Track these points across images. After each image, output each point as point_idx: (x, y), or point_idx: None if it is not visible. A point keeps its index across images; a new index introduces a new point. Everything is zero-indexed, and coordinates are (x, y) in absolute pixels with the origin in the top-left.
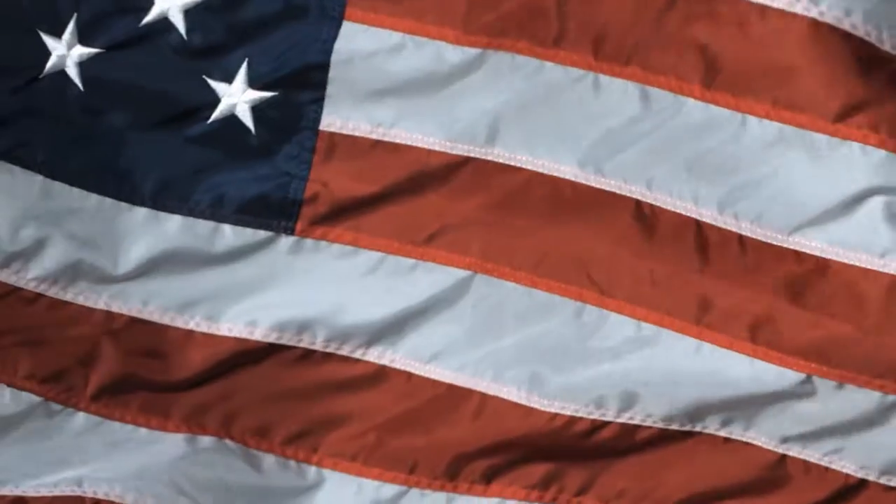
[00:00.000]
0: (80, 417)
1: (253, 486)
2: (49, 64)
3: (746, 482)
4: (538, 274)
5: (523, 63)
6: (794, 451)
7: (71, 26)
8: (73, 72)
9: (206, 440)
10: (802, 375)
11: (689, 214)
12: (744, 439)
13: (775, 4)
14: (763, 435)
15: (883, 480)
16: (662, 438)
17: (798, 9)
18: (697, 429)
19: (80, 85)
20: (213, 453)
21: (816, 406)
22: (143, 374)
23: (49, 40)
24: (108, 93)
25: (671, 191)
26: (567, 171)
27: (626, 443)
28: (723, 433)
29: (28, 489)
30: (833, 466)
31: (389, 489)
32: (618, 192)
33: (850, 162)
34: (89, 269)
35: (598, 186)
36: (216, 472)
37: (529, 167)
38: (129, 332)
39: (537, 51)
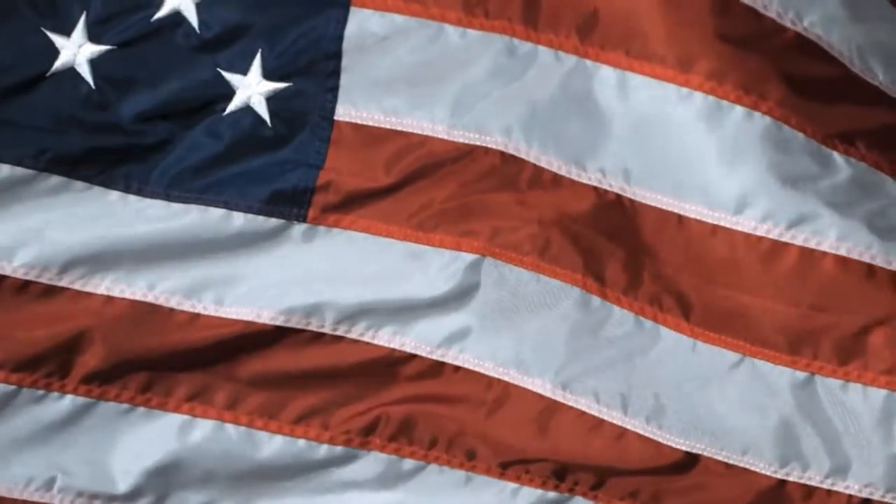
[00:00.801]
0: (67, 401)
1: (250, 473)
2: (58, 62)
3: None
4: (545, 260)
5: (519, 46)
6: (795, 475)
7: (81, 24)
8: (83, 69)
9: (202, 428)
10: (805, 374)
11: (669, 209)
12: (741, 465)
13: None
14: (761, 460)
15: (888, 498)
16: (667, 464)
17: (786, 22)
18: (696, 451)
19: (91, 82)
20: (206, 445)
21: (818, 416)
22: (144, 356)
23: (57, 38)
24: (121, 89)
25: (650, 185)
26: (553, 161)
27: (633, 450)
28: (721, 458)
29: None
30: (835, 489)
31: (408, 463)
32: (598, 185)
33: (840, 164)
34: (89, 257)
35: (579, 180)
36: (207, 467)
37: (523, 156)
38: (130, 316)
39: (531, 34)
